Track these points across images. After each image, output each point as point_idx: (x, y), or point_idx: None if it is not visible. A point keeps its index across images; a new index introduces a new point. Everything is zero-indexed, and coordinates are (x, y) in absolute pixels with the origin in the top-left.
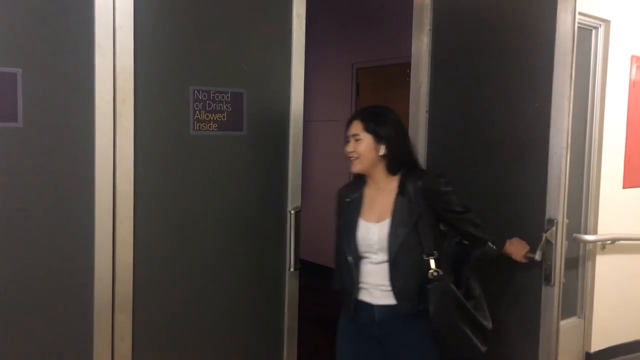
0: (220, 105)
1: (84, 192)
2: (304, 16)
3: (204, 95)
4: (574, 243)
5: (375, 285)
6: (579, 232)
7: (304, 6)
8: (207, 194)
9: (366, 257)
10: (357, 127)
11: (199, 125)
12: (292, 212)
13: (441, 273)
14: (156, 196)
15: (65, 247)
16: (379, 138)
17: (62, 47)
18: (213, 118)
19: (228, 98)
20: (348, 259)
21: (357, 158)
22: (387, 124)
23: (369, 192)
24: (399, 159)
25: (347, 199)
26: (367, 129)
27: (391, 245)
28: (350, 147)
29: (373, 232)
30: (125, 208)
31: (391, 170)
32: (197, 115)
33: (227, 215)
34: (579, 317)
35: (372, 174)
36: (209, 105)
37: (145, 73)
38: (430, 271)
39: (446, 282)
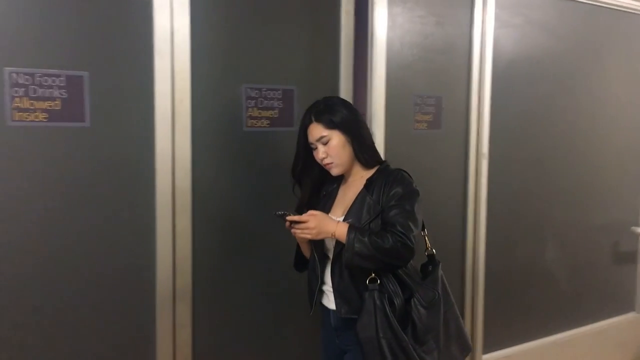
0: (272, 102)
1: (146, 188)
2: (352, 12)
3: (256, 93)
4: (631, 237)
5: (330, 287)
6: (637, 226)
7: (353, 2)
8: (259, 188)
9: (329, 257)
10: (317, 130)
11: (252, 122)
12: None
13: (378, 282)
14: (212, 191)
15: (129, 241)
16: (343, 127)
17: (125, 51)
18: (265, 115)
19: (279, 95)
20: (315, 255)
21: (332, 162)
22: (339, 109)
23: (343, 185)
24: (365, 144)
25: (324, 192)
26: (330, 125)
27: (337, 242)
28: (321, 154)
29: None
30: (184, 202)
31: (364, 160)
32: (250, 112)
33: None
34: (637, 313)
35: (351, 171)
36: (261, 103)
37: (201, 73)
38: (370, 276)
39: (386, 295)
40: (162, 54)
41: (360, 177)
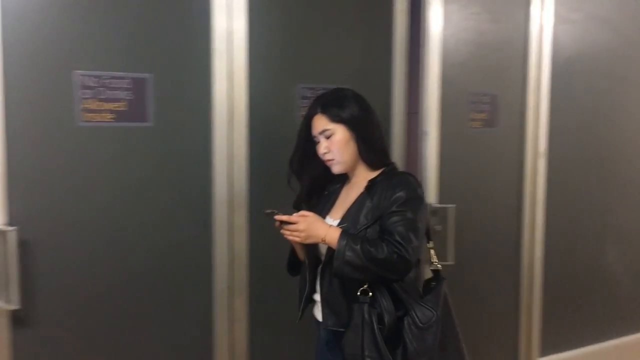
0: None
1: (204, 185)
2: (406, 11)
3: (311, 93)
4: None
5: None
6: None
7: (407, 1)
8: None
9: (322, 261)
10: (321, 122)
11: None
12: None
13: (370, 295)
14: (268, 187)
15: (187, 236)
16: (350, 123)
17: (185, 53)
18: None
19: None
20: (306, 259)
21: (333, 159)
22: (349, 104)
23: (347, 185)
24: (373, 144)
25: (326, 191)
26: (335, 119)
27: (328, 247)
28: (322, 148)
29: None
30: (240, 199)
31: (369, 161)
32: (304, 111)
33: None
34: None
35: (354, 171)
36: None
37: (257, 73)
38: (362, 287)
39: (376, 309)
40: (220, 54)
41: (364, 178)
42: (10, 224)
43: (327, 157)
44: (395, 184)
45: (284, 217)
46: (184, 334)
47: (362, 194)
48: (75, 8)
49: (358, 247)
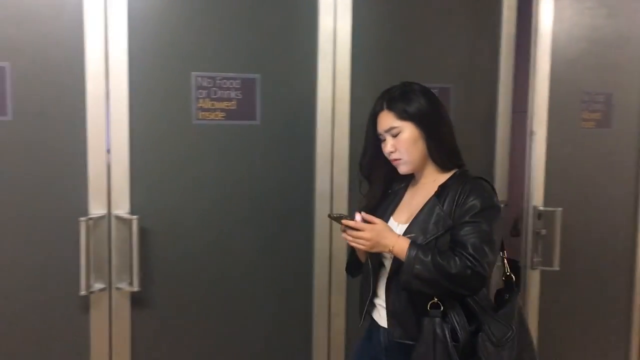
0: None
1: (306, 183)
2: (515, 7)
3: None
4: None
5: (383, 302)
6: None
7: None
8: None
9: (385, 266)
10: (387, 119)
11: None
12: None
13: (442, 308)
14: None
15: (289, 234)
16: (418, 120)
17: (292, 54)
18: None
19: (436, 93)
20: (369, 262)
21: (400, 159)
22: (417, 99)
23: (412, 186)
24: (444, 143)
25: (390, 190)
26: (403, 116)
27: (395, 257)
28: (389, 147)
29: None
30: (341, 197)
31: (440, 161)
32: None
33: None
34: None
35: (422, 172)
36: None
37: (359, 73)
38: (432, 300)
39: (449, 324)
40: (325, 54)
41: (432, 180)
42: (132, 213)
43: (393, 156)
44: (470, 190)
45: (351, 223)
46: (285, 327)
47: (431, 198)
48: (193, 14)
49: (429, 259)
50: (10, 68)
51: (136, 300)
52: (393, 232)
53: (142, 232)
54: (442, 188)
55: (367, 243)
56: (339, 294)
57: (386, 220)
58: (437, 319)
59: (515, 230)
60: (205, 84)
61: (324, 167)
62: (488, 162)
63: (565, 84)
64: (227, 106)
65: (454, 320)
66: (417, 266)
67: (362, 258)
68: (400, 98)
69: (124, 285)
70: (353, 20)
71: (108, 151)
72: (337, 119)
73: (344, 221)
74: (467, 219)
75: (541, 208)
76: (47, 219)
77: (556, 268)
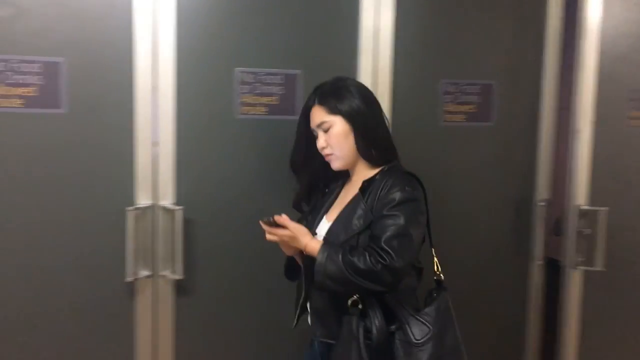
0: (469, 97)
1: None
2: (561, 2)
3: (455, 88)
4: None
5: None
6: None
7: None
8: (459, 183)
9: None
10: (318, 114)
11: (449, 117)
12: (540, 204)
13: (361, 306)
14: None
15: None
16: (348, 115)
17: (333, 51)
18: (462, 110)
19: (477, 90)
20: (302, 264)
21: (332, 154)
22: (350, 95)
23: (347, 184)
24: (374, 139)
25: (327, 189)
26: (334, 110)
27: (309, 258)
28: (321, 142)
29: (320, 235)
30: None
31: (369, 157)
32: (447, 107)
33: (469, 202)
34: None
35: (355, 168)
36: (459, 98)
37: (401, 70)
38: (352, 298)
39: (365, 321)
40: (366, 51)
41: (363, 176)
42: (177, 203)
43: (325, 151)
44: (391, 185)
45: (265, 226)
46: None
47: (356, 194)
48: (237, 11)
49: (339, 258)
50: (66, 63)
51: (180, 288)
52: (308, 234)
53: (186, 222)
54: (368, 183)
55: (285, 238)
56: None
57: (321, 217)
58: (355, 318)
59: (558, 229)
60: (248, 79)
61: None
62: (530, 160)
63: (612, 82)
64: (269, 101)
65: (370, 319)
66: (329, 266)
67: (300, 261)
68: (332, 92)
69: (167, 273)
70: (395, 17)
71: (155, 144)
72: None
73: (276, 217)
74: (384, 212)
75: (585, 207)
76: (97, 208)
77: (601, 269)
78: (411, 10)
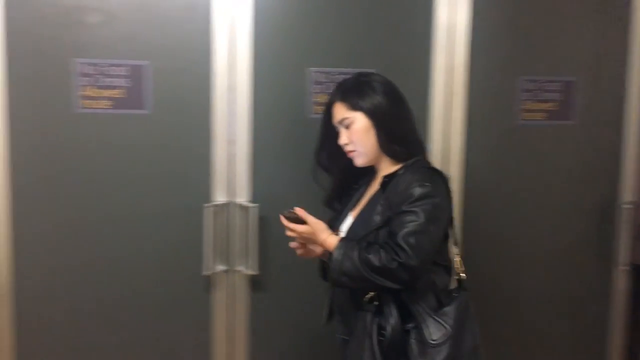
0: (550, 95)
1: None
2: None
3: (533, 85)
4: None
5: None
6: None
7: None
8: (534, 183)
9: None
10: (340, 111)
11: (527, 115)
12: (625, 206)
13: (376, 303)
14: (485, 183)
15: None
16: (369, 111)
17: (406, 49)
18: (542, 107)
19: (558, 87)
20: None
21: (354, 150)
22: (372, 92)
23: (373, 180)
24: (396, 135)
25: (355, 185)
26: (355, 106)
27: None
28: (343, 138)
29: (343, 232)
30: (455, 193)
31: (392, 152)
32: (525, 105)
33: (549, 204)
34: None
35: (379, 164)
36: (538, 95)
37: (477, 67)
38: (367, 296)
39: (380, 318)
40: (441, 48)
41: (387, 172)
42: (252, 201)
43: (348, 148)
44: (411, 180)
45: (285, 221)
46: None
47: (377, 190)
48: (312, 11)
49: (355, 254)
50: (150, 66)
51: (255, 283)
52: (326, 230)
53: (261, 219)
54: (389, 179)
55: (305, 234)
56: None
57: (345, 216)
58: (369, 314)
59: None
60: (321, 79)
61: (436, 162)
62: (615, 160)
63: None
64: None
65: (385, 316)
66: (346, 263)
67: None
68: (354, 89)
69: (242, 269)
70: (471, 12)
71: (231, 142)
72: (453, 115)
73: (297, 209)
74: (403, 208)
75: None
76: (177, 204)
77: None
78: (488, 4)
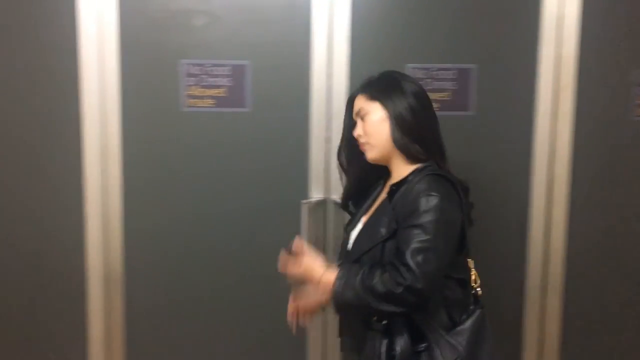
0: None
1: (522, 175)
2: None
3: None
4: None
5: None
6: None
7: None
8: None
9: None
10: (359, 102)
11: None
12: None
13: (385, 322)
14: (592, 181)
15: (503, 227)
16: (387, 101)
17: (510, 42)
18: None
19: None
20: None
21: (368, 143)
22: (395, 86)
23: (388, 182)
24: (412, 131)
25: (370, 187)
26: (373, 97)
27: (346, 259)
28: (358, 130)
29: (351, 241)
30: (560, 192)
31: (404, 149)
32: None
33: None
34: None
35: (392, 163)
36: None
37: (587, 59)
38: (375, 317)
39: (390, 338)
40: (548, 41)
41: (400, 174)
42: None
43: (361, 140)
44: (418, 190)
45: (299, 247)
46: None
47: (384, 199)
48: (411, 6)
49: (358, 282)
50: (250, 65)
51: None
52: (320, 267)
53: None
54: (397, 186)
55: (299, 271)
56: (555, 296)
57: (358, 220)
58: (378, 334)
59: None
60: (420, 75)
61: (542, 161)
62: None
63: None
64: (442, 97)
65: (394, 336)
66: (346, 293)
67: None
68: (375, 82)
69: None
70: (582, 4)
71: (327, 140)
72: (561, 110)
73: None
74: (409, 222)
75: None
76: (276, 199)
77: None
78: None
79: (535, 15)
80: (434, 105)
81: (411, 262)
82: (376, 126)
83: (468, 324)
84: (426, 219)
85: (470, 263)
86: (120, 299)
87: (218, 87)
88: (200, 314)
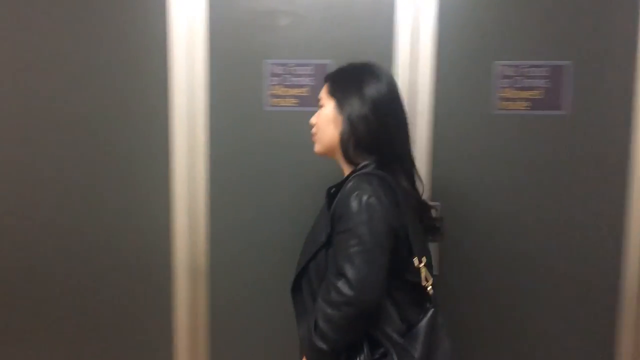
0: None
1: (620, 176)
2: None
3: None
4: None
5: None
6: None
7: None
8: None
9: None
10: (323, 90)
11: None
12: None
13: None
14: None
15: (596, 239)
16: (341, 102)
17: (609, 38)
18: None
19: None
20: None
21: (317, 134)
22: (359, 93)
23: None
24: (364, 147)
25: (326, 197)
26: (331, 93)
27: (298, 264)
28: (313, 118)
29: None
30: None
31: (344, 150)
32: None
33: None
34: None
35: (338, 160)
36: None
37: None
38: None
39: (348, 352)
40: None
41: (345, 174)
42: (433, 199)
43: (312, 130)
44: (348, 190)
45: None
46: (587, 331)
47: (325, 203)
48: (500, 2)
49: (318, 330)
50: (332, 65)
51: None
52: None
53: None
54: (335, 191)
55: None
56: None
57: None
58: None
59: None
60: (509, 72)
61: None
62: None
63: None
64: (532, 95)
65: (351, 350)
66: (319, 343)
67: None
68: (340, 75)
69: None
70: None
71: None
72: None
73: None
74: (340, 227)
75: None
76: None
77: None
78: None
79: (635, 7)
80: (524, 104)
81: (346, 271)
82: (326, 124)
83: (422, 324)
84: (355, 221)
85: (418, 261)
86: (205, 292)
87: (301, 86)
88: (284, 307)
